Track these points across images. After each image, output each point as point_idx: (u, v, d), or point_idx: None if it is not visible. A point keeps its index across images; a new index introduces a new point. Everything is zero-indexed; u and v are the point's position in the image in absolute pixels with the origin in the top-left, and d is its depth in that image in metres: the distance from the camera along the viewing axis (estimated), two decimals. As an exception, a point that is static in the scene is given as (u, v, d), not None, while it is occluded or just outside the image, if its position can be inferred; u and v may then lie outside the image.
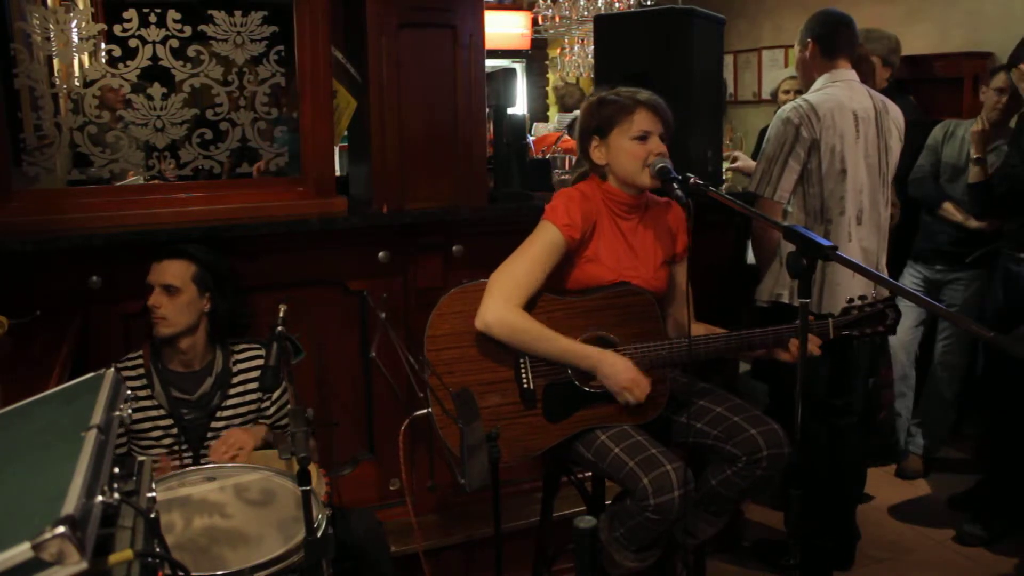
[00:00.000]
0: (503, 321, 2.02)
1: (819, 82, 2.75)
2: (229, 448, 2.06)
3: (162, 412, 2.14)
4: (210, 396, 2.17)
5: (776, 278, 2.74)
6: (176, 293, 2.11)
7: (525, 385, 2.09)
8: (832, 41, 2.73)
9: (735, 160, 3.55)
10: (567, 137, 4.24)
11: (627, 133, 2.10)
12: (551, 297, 2.11)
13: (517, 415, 2.09)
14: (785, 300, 2.71)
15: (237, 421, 2.19)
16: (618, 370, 2.03)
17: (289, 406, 2.27)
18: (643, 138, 2.09)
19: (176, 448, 2.14)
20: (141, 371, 2.15)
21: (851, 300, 2.16)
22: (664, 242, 2.23)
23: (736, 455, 2.05)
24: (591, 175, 2.21)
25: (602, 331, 2.10)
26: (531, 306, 2.08)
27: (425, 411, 1.99)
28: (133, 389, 2.12)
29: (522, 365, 2.08)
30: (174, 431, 2.14)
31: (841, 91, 2.67)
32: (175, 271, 2.13)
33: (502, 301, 2.02)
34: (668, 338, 2.12)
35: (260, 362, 2.22)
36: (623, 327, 2.10)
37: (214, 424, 2.17)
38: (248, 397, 2.21)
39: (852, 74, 2.74)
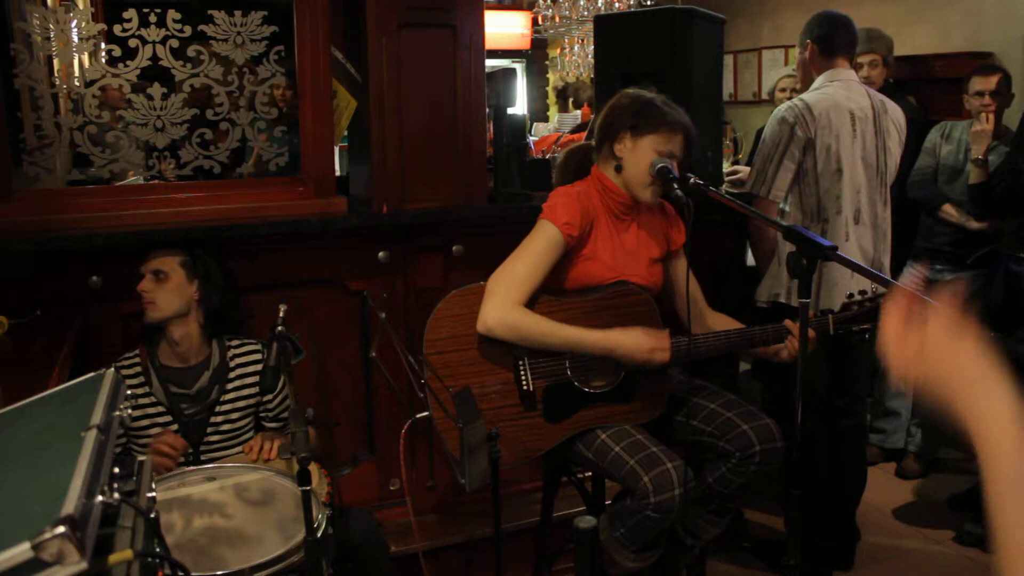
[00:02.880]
0: (504, 322, 2.02)
1: (817, 81, 2.75)
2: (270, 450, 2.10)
3: (161, 409, 2.14)
4: (208, 390, 2.17)
5: (774, 278, 2.74)
6: (164, 278, 2.14)
7: (525, 387, 2.08)
8: (831, 42, 2.74)
9: (736, 174, 3.53)
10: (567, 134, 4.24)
11: (658, 145, 2.09)
12: (549, 299, 2.11)
13: (517, 417, 2.09)
14: (783, 300, 2.72)
15: (235, 415, 2.19)
16: (633, 344, 2.03)
17: (288, 401, 2.28)
18: (668, 157, 2.09)
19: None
20: (138, 368, 2.16)
21: (851, 295, 2.16)
22: (657, 239, 2.24)
23: (730, 451, 2.05)
24: (592, 171, 2.21)
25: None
26: (532, 308, 2.08)
27: (425, 413, 1.99)
28: (132, 387, 2.12)
29: (521, 367, 2.08)
30: (174, 428, 2.14)
31: (838, 91, 2.67)
32: (164, 257, 2.17)
33: (502, 302, 2.02)
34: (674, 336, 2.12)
35: (257, 356, 2.23)
36: (621, 327, 2.10)
37: (213, 419, 2.17)
38: (245, 392, 2.21)
39: (851, 74, 2.75)
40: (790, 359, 2.11)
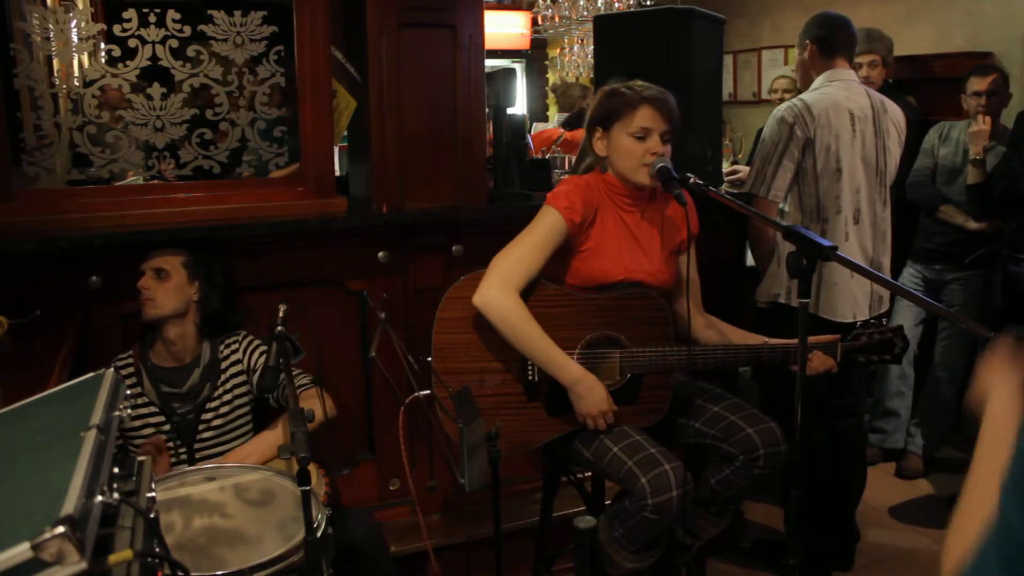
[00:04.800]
0: (497, 304, 2.02)
1: (816, 82, 2.76)
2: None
3: (153, 409, 2.14)
4: (199, 387, 2.17)
5: (774, 279, 2.74)
6: (166, 277, 2.14)
7: (530, 377, 2.09)
8: (830, 42, 2.74)
9: (735, 173, 3.53)
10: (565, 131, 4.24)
11: (627, 128, 2.10)
12: (563, 292, 2.11)
13: (519, 406, 2.10)
14: (782, 300, 2.72)
15: (224, 410, 2.20)
16: (589, 396, 2.04)
17: (301, 379, 2.29)
18: (642, 136, 2.09)
19: (170, 445, 2.15)
20: (131, 370, 2.16)
21: (860, 324, 2.16)
22: (670, 234, 2.23)
23: (733, 454, 2.05)
24: (595, 168, 2.22)
25: (611, 331, 2.10)
26: (543, 301, 2.08)
27: (425, 392, 1.98)
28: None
29: None
30: (166, 428, 2.15)
31: (838, 91, 2.68)
32: (167, 256, 2.17)
33: (500, 283, 2.02)
34: (675, 344, 2.11)
35: (245, 346, 2.24)
36: (632, 329, 2.10)
37: (204, 416, 2.17)
38: (232, 385, 2.22)
39: (850, 74, 2.75)
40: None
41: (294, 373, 2.26)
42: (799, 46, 2.84)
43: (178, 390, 2.16)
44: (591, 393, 2.04)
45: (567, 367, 2.04)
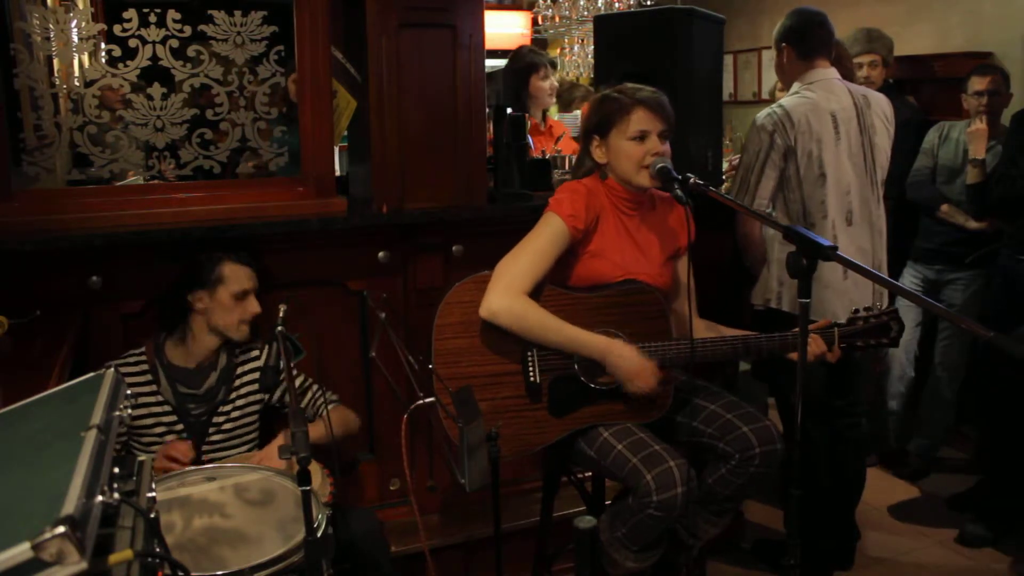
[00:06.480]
0: (508, 309, 2.02)
1: (795, 85, 2.70)
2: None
3: (167, 408, 2.15)
4: (216, 390, 2.19)
5: (766, 283, 2.73)
6: (252, 291, 2.21)
7: (531, 379, 2.09)
8: (806, 42, 2.67)
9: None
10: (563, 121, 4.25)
11: (625, 133, 2.10)
12: (559, 292, 2.11)
13: (522, 409, 2.09)
14: (773, 305, 2.71)
15: (236, 414, 2.21)
16: (626, 359, 2.03)
17: (310, 389, 2.33)
18: (640, 138, 2.09)
19: None
20: (145, 367, 2.16)
21: (856, 311, 2.16)
22: (668, 238, 2.23)
23: (729, 453, 2.06)
24: (594, 172, 2.21)
25: (609, 328, 2.10)
26: (540, 301, 2.08)
27: (429, 400, 1.98)
28: (138, 385, 2.12)
29: (529, 358, 2.09)
30: (178, 427, 2.15)
31: (817, 93, 2.62)
32: (248, 271, 2.22)
33: (507, 290, 2.02)
34: (673, 338, 2.11)
35: (260, 355, 2.25)
36: (630, 325, 2.11)
37: (215, 419, 2.18)
38: (246, 392, 2.23)
39: (831, 72, 2.69)
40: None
41: (317, 390, 2.31)
42: (775, 47, 2.76)
43: (195, 391, 2.17)
44: (623, 358, 2.02)
45: (593, 342, 2.04)
